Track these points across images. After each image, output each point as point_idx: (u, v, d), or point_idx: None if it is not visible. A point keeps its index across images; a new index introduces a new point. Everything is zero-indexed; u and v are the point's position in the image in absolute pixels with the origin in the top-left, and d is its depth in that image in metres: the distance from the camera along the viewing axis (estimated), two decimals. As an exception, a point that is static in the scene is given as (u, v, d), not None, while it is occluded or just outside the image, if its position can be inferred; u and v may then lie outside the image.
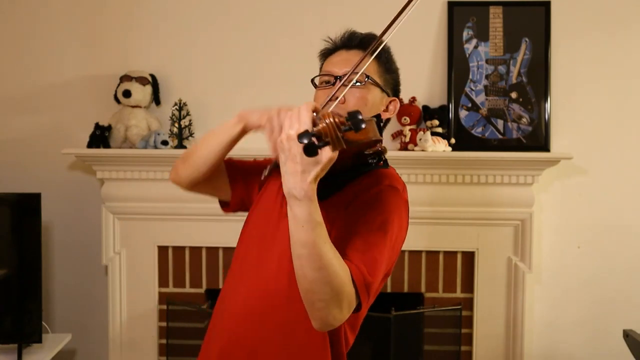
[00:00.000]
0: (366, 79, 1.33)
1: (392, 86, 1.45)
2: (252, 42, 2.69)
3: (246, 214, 1.46)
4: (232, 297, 1.33)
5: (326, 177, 1.03)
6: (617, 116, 2.67)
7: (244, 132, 1.30)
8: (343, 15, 2.68)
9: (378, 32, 1.32)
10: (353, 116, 0.93)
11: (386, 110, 1.43)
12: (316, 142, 0.94)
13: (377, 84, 1.37)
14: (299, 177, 1.00)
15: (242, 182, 1.47)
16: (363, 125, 0.93)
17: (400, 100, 2.69)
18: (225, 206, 1.52)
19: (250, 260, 1.33)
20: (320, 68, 1.43)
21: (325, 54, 1.41)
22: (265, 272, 1.28)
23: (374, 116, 1.34)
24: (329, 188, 1.17)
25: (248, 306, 1.29)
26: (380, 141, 1.15)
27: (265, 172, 1.24)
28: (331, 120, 0.95)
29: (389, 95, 1.43)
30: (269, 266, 1.28)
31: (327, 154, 0.97)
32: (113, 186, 2.64)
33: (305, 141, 0.94)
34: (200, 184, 1.44)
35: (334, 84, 1.32)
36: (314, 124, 0.97)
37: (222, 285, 1.37)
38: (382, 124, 1.37)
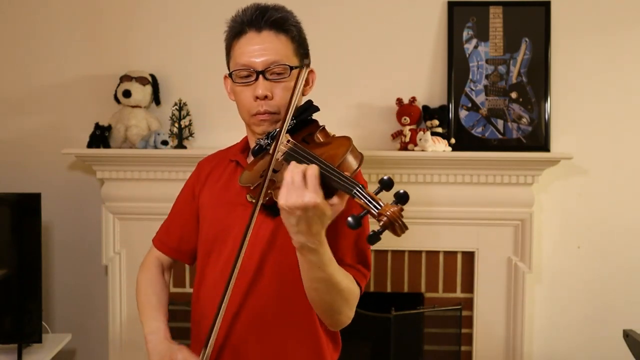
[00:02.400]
0: (289, 69, 1.28)
1: (305, 52, 1.36)
2: (252, 42, 2.69)
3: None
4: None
5: None
6: (617, 116, 2.67)
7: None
8: (344, 16, 2.68)
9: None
10: (402, 197, 0.96)
11: (306, 84, 1.36)
12: (378, 231, 0.97)
13: (296, 67, 1.29)
14: (313, 235, 1.04)
15: (195, 234, 1.46)
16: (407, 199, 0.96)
17: (400, 100, 2.72)
18: (188, 262, 1.53)
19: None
20: (229, 51, 1.34)
21: (233, 36, 1.32)
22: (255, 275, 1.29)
23: (309, 105, 1.31)
24: None
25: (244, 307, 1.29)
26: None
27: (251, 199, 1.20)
28: (393, 212, 0.95)
29: (308, 67, 1.31)
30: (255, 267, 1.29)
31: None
32: (113, 186, 2.64)
33: (352, 223, 0.97)
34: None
35: (256, 79, 1.27)
36: (363, 204, 0.98)
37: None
38: (314, 107, 1.32)
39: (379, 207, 0.95)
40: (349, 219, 0.96)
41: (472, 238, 2.61)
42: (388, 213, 0.94)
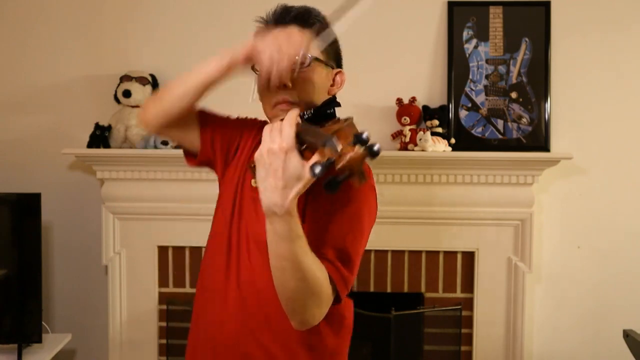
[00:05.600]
0: (309, 59, 1.26)
1: (335, 57, 1.36)
2: (252, 42, 2.69)
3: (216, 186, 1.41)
4: (225, 295, 1.30)
5: None
6: (617, 116, 2.67)
7: (229, 70, 1.22)
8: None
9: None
10: (372, 150, 0.88)
11: (333, 84, 1.36)
12: (338, 177, 0.88)
13: (320, 61, 1.29)
14: (279, 193, 0.98)
15: (211, 135, 1.39)
16: (379, 153, 0.88)
17: (400, 100, 2.71)
18: (191, 159, 1.43)
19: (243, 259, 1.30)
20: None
21: (260, 33, 1.31)
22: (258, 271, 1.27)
23: (328, 99, 1.28)
24: None
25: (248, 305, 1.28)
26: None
27: (253, 164, 1.17)
28: (355, 154, 0.87)
29: (333, 68, 1.35)
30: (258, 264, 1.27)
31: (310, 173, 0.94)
32: (113, 186, 2.64)
33: (317, 172, 0.89)
34: (169, 128, 1.35)
35: None
36: (329, 152, 0.90)
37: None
38: (336, 102, 1.29)
39: (337, 150, 0.87)
40: (314, 166, 0.90)
41: (472, 238, 2.61)
42: (347, 156, 0.85)
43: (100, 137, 2.60)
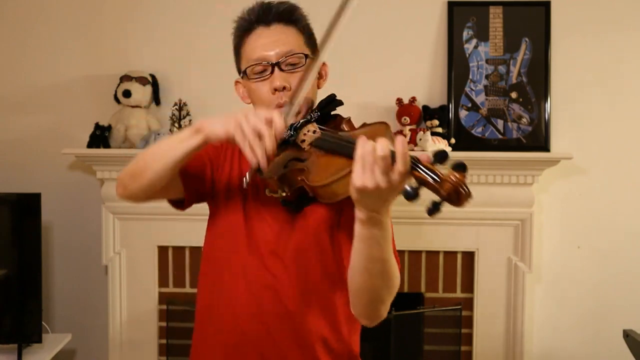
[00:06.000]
0: (304, 59, 1.26)
1: (316, 46, 1.31)
2: (252, 42, 2.69)
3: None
4: (239, 298, 1.27)
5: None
6: (617, 116, 2.67)
7: (204, 144, 1.15)
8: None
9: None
10: (461, 165, 0.90)
11: (320, 77, 1.35)
12: (438, 202, 0.91)
13: (311, 57, 1.27)
14: (382, 203, 0.98)
15: (195, 181, 1.32)
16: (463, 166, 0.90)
17: (400, 100, 2.71)
18: (179, 206, 1.38)
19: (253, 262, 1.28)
20: (238, 51, 1.31)
21: (242, 35, 1.29)
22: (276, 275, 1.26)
23: (332, 99, 1.26)
24: None
25: (262, 309, 1.26)
26: None
27: (246, 180, 1.14)
28: (458, 179, 0.89)
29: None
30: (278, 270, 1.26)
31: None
32: (113, 186, 2.62)
33: (410, 195, 0.91)
34: (154, 195, 1.28)
35: (272, 72, 1.24)
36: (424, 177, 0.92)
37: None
38: (337, 102, 1.27)
39: (440, 175, 0.89)
40: (407, 187, 0.90)
41: (472, 238, 2.61)
42: (452, 179, 0.88)
43: (100, 137, 2.60)
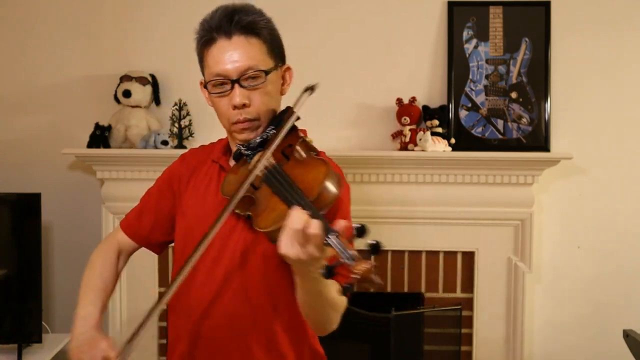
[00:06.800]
0: (265, 75, 1.26)
1: (279, 54, 1.33)
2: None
3: None
4: (202, 299, 1.31)
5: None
6: (617, 116, 2.67)
7: None
8: (344, 16, 2.68)
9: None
10: (375, 248, 0.96)
11: (284, 82, 1.35)
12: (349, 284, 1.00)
13: (272, 69, 1.28)
14: (309, 269, 1.07)
15: (149, 238, 1.48)
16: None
17: (400, 100, 2.71)
18: (156, 251, 1.53)
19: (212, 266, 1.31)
20: (202, 60, 1.32)
21: (204, 44, 1.29)
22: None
23: (290, 115, 1.26)
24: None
25: (223, 312, 1.30)
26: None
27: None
28: (367, 269, 0.95)
29: (282, 66, 1.34)
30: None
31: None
32: (113, 186, 2.63)
33: (326, 275, 0.99)
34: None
35: (232, 88, 1.25)
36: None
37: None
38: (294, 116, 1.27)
39: (352, 262, 0.95)
40: (322, 270, 0.98)
41: (472, 238, 2.61)
42: (359, 272, 0.94)
43: (100, 137, 2.60)
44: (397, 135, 2.63)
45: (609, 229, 2.68)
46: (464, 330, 2.65)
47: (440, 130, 2.58)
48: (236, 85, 1.25)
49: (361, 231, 0.97)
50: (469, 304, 2.64)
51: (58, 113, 2.77)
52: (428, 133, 2.50)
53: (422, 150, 2.50)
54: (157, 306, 1.20)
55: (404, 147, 2.58)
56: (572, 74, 2.65)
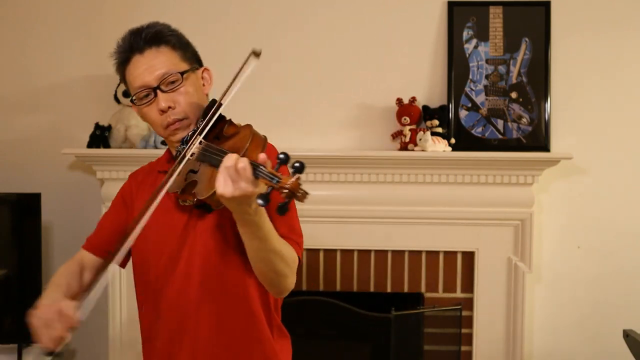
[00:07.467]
0: (181, 76, 1.36)
1: (195, 57, 1.47)
2: (252, 43, 2.68)
3: None
4: (165, 295, 1.37)
5: None
6: (617, 116, 2.67)
7: None
8: (344, 16, 2.68)
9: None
10: (299, 168, 1.04)
11: (205, 83, 1.46)
12: (284, 203, 1.05)
13: (187, 71, 1.39)
14: (246, 206, 1.12)
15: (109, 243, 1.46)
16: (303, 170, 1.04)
17: (400, 100, 2.71)
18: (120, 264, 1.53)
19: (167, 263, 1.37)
20: (124, 81, 1.46)
21: (121, 65, 1.45)
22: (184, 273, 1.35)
23: (212, 104, 1.33)
24: None
25: (183, 300, 1.35)
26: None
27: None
28: (293, 182, 1.03)
29: (198, 69, 1.45)
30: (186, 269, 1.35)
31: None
32: (113, 186, 2.63)
33: (262, 204, 1.05)
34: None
35: (155, 95, 1.35)
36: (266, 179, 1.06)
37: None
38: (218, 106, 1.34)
39: (279, 181, 1.05)
40: (258, 199, 1.05)
41: (472, 238, 2.61)
42: (287, 185, 1.03)
43: (100, 137, 2.60)
44: (397, 135, 2.63)
45: (609, 229, 2.68)
46: (464, 330, 2.65)
47: (440, 130, 2.58)
48: (158, 92, 1.35)
49: (284, 159, 1.05)
50: (469, 304, 2.64)
51: (58, 113, 2.77)
52: (428, 133, 2.50)
53: (422, 150, 2.50)
54: (107, 264, 1.30)
55: (404, 147, 2.58)
56: (572, 74, 2.65)
